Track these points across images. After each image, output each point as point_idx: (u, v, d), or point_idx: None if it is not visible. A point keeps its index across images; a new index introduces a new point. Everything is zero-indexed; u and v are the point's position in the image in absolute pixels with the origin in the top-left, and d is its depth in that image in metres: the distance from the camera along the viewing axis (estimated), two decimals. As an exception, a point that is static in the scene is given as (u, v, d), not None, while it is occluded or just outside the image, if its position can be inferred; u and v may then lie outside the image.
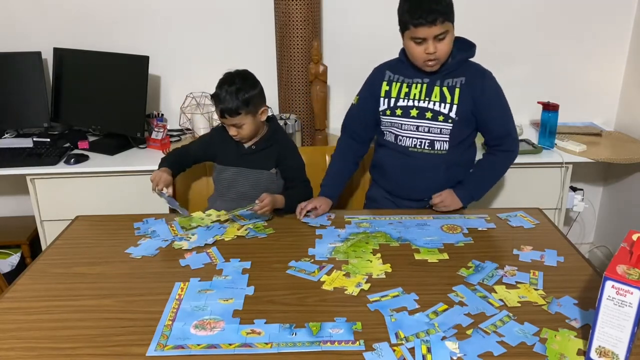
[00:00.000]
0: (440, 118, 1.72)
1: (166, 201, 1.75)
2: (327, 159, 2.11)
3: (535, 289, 1.34)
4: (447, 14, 1.60)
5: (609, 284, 1.00)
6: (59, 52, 2.57)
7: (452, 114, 1.71)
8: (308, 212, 1.74)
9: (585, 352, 1.09)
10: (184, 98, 2.62)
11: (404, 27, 1.66)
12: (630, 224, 2.61)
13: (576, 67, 2.75)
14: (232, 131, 1.79)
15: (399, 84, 1.77)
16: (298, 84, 2.46)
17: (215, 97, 1.76)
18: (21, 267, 2.50)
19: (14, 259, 2.54)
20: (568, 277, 1.39)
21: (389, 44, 2.62)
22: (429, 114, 1.73)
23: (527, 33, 2.67)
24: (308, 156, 2.12)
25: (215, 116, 2.63)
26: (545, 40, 2.70)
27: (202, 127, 2.56)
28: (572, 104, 2.69)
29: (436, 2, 1.59)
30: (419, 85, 1.74)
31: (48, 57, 2.60)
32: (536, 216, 1.74)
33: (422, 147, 1.77)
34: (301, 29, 2.36)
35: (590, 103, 2.80)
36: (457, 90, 1.71)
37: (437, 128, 1.74)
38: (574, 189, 2.63)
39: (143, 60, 2.41)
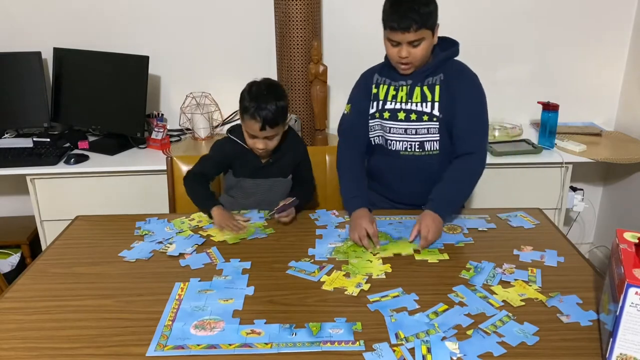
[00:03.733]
0: (425, 118, 1.69)
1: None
2: (327, 158, 2.10)
3: (534, 283, 1.34)
4: (423, 22, 1.55)
5: (632, 290, 0.97)
6: (59, 52, 2.57)
7: (435, 112, 1.68)
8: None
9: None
10: (184, 98, 2.62)
11: (383, 25, 1.62)
12: (630, 224, 2.61)
13: (576, 67, 2.74)
14: (260, 144, 1.69)
15: (386, 87, 1.73)
16: (298, 84, 2.46)
17: (252, 109, 1.64)
18: (21, 267, 2.50)
19: (14, 259, 2.54)
20: (568, 277, 1.39)
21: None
22: (413, 116, 1.69)
23: (527, 33, 2.67)
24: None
25: (215, 116, 2.64)
26: (545, 40, 2.70)
27: (202, 127, 2.56)
28: (572, 104, 2.69)
29: (414, 10, 1.53)
30: (404, 88, 1.70)
31: (48, 57, 2.60)
32: (536, 216, 1.74)
33: (413, 149, 1.73)
34: (301, 29, 2.36)
35: (590, 103, 2.80)
36: (437, 88, 1.68)
37: (424, 128, 1.70)
38: (574, 189, 2.63)
39: (143, 60, 2.41)
